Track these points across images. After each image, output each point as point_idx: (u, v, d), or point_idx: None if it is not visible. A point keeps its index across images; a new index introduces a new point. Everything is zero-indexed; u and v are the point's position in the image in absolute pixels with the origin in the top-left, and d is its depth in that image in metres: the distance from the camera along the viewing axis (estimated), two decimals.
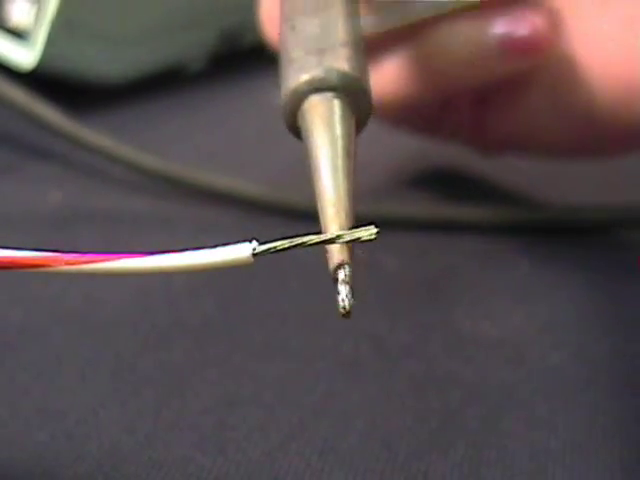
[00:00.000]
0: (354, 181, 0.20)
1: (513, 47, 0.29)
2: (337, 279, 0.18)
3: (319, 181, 0.20)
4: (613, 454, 0.23)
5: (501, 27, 0.29)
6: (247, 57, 0.46)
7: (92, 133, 0.35)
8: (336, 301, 0.18)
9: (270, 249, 0.18)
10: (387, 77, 0.32)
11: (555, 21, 0.30)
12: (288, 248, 0.18)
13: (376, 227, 0.18)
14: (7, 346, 0.26)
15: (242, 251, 0.18)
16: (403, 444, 0.23)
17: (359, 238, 0.18)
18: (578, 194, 0.35)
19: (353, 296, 0.18)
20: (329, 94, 0.22)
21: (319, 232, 0.18)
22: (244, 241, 0.18)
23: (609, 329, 0.28)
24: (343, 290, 0.18)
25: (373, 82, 0.28)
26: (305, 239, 0.18)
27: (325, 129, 0.21)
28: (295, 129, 0.22)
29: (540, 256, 0.31)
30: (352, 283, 0.18)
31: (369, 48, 0.32)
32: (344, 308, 0.18)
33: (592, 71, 0.30)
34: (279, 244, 0.18)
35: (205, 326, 0.27)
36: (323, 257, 0.31)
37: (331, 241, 0.18)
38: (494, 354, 0.26)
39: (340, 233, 0.18)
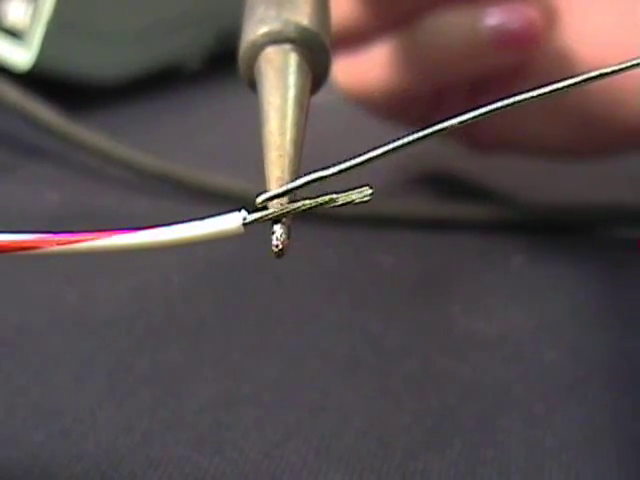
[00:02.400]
0: (303, 134, 0.20)
1: (506, 39, 0.29)
2: None
3: (266, 127, 0.20)
4: (610, 452, 0.23)
5: (494, 18, 0.29)
6: None
7: (89, 133, 0.35)
8: (270, 240, 0.18)
9: (262, 217, 0.18)
10: (377, 65, 0.32)
11: (549, 15, 0.30)
12: (281, 215, 0.18)
13: (370, 188, 0.18)
14: (4, 346, 0.26)
15: (232, 220, 0.18)
16: (400, 443, 0.23)
17: (353, 200, 0.18)
18: (573, 193, 0.35)
19: (289, 237, 0.18)
20: (286, 46, 0.21)
21: (311, 197, 0.18)
22: (233, 210, 0.18)
23: (605, 326, 0.28)
24: (278, 229, 0.18)
25: (363, 70, 0.28)
26: (297, 205, 0.18)
27: (278, 78, 0.21)
28: (252, 83, 0.22)
29: (536, 254, 0.31)
30: (289, 223, 0.18)
31: (359, 36, 0.32)
32: (277, 246, 0.18)
33: (586, 68, 0.30)
34: (270, 212, 0.18)
35: (202, 325, 0.27)
36: (321, 256, 0.31)
37: (326, 204, 0.18)
38: (491, 352, 0.26)
39: (334, 196, 0.18)
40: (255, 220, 0.18)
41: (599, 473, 0.22)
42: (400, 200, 0.34)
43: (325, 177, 0.18)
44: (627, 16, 0.31)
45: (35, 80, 0.39)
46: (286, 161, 0.19)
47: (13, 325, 0.26)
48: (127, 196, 0.34)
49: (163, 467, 0.21)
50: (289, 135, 0.19)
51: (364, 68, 0.32)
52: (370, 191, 0.18)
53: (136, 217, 0.33)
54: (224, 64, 0.45)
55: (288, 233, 0.18)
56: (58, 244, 0.18)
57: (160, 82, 0.44)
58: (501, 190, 0.36)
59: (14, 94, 0.35)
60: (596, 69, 0.30)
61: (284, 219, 0.18)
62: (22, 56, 0.39)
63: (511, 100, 0.18)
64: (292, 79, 0.21)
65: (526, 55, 0.30)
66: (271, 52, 0.22)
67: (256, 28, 0.22)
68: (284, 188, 0.18)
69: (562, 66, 0.30)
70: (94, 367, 0.25)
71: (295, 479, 0.21)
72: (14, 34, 0.39)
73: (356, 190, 0.18)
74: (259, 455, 0.22)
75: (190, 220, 0.18)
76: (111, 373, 0.25)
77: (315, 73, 0.22)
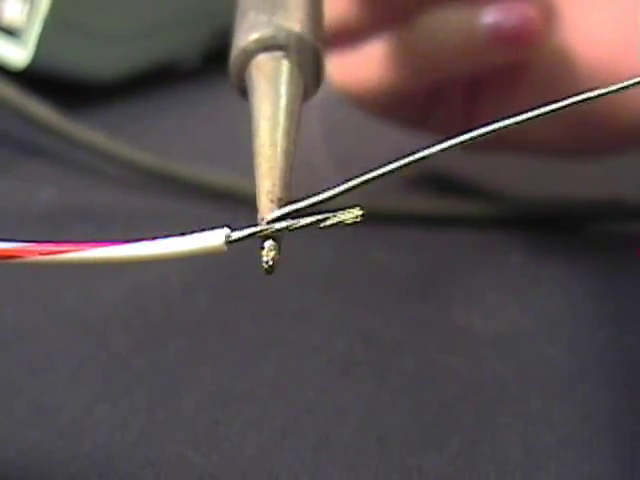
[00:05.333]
0: (295, 144, 0.19)
1: (502, 36, 0.29)
2: None
3: (257, 137, 0.19)
4: (607, 447, 0.23)
5: (491, 16, 0.29)
6: None
7: (86, 131, 0.35)
8: (260, 256, 0.17)
9: (246, 236, 0.17)
10: (373, 63, 0.31)
11: (548, 13, 0.30)
12: (262, 234, 0.17)
13: (361, 209, 0.17)
14: (0, 344, 0.25)
15: (215, 238, 0.17)
16: (397, 440, 0.23)
17: (343, 221, 0.17)
18: (572, 189, 0.35)
19: (279, 252, 0.17)
20: (278, 54, 0.21)
21: (299, 217, 0.18)
22: (217, 227, 0.18)
23: (603, 322, 0.28)
24: (267, 244, 0.17)
25: (359, 68, 0.27)
26: (283, 225, 0.17)
27: (269, 87, 0.20)
28: (243, 90, 0.22)
29: (534, 251, 0.31)
30: (279, 240, 0.18)
31: (355, 33, 0.32)
32: (266, 262, 0.17)
33: (586, 67, 0.30)
34: (253, 231, 0.17)
35: (199, 323, 0.27)
36: (318, 253, 0.31)
37: (314, 224, 0.17)
38: (489, 349, 0.26)
39: (323, 217, 0.17)
40: (239, 239, 0.17)
41: (597, 469, 0.22)
42: (398, 197, 0.34)
43: (328, 199, 0.17)
44: (626, 13, 0.30)
45: (32, 78, 0.38)
46: (277, 173, 0.18)
47: (10, 323, 0.26)
48: (124, 193, 0.34)
49: (160, 465, 0.21)
50: (280, 146, 0.19)
51: (359, 66, 0.32)
52: (360, 212, 0.17)
53: (133, 214, 0.33)
54: (221, 61, 0.45)
55: (279, 248, 0.17)
56: (41, 254, 0.17)
57: (157, 79, 0.44)
58: (500, 187, 0.36)
59: (11, 92, 0.35)
60: (595, 72, 0.30)
61: (272, 236, 0.17)
62: (19, 54, 0.39)
63: (514, 119, 0.18)
64: (284, 88, 0.20)
65: (524, 53, 0.29)
66: (262, 59, 0.21)
67: (247, 34, 0.22)
68: (287, 209, 0.18)
69: (560, 64, 0.30)
70: (91, 366, 0.25)
71: (292, 477, 0.21)
72: (11, 32, 0.39)
73: (346, 210, 0.17)
74: (256, 453, 0.22)
75: (186, 219, 0.18)
76: (108, 371, 0.25)
77: (307, 80, 0.22)
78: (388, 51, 0.31)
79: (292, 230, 0.17)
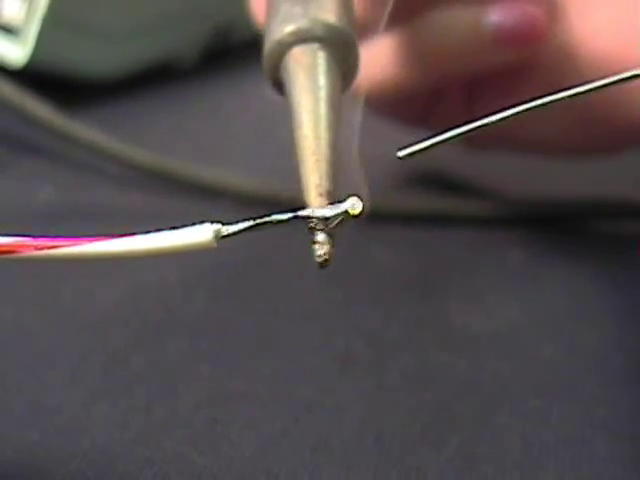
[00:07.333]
0: (337, 134, 0.19)
1: (507, 36, 0.29)
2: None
3: (300, 130, 0.19)
4: (606, 447, 0.23)
5: (497, 15, 0.29)
6: (239, 52, 0.46)
7: (84, 129, 0.35)
8: (313, 250, 0.17)
9: (238, 231, 0.17)
10: (379, 60, 0.31)
11: (553, 12, 0.30)
12: (255, 227, 0.17)
13: (360, 199, 0.17)
14: None
15: (203, 233, 0.17)
16: (396, 439, 0.23)
17: (339, 214, 0.17)
18: (571, 188, 0.35)
19: (333, 246, 0.17)
20: (314, 45, 0.21)
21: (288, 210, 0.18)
22: (207, 222, 0.17)
23: (602, 321, 0.28)
24: (320, 238, 0.17)
25: (365, 65, 0.27)
26: (273, 218, 0.17)
27: (308, 78, 0.20)
28: (278, 83, 0.22)
29: (534, 250, 0.31)
30: (331, 231, 0.17)
31: (362, 30, 0.32)
32: (320, 256, 0.17)
33: (591, 66, 0.30)
34: (246, 225, 0.17)
35: (197, 322, 0.27)
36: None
37: (301, 218, 0.17)
38: (487, 347, 0.26)
39: (317, 211, 0.17)
40: (232, 234, 0.17)
41: (595, 468, 0.22)
42: (397, 195, 0.34)
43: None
44: (630, 11, 0.30)
45: (30, 76, 0.38)
46: (324, 166, 0.18)
47: (8, 323, 0.26)
48: (123, 191, 0.34)
49: (158, 464, 0.21)
50: (324, 139, 0.19)
51: (365, 63, 0.32)
52: (360, 204, 0.17)
53: (131, 212, 0.33)
54: (219, 60, 0.46)
55: (332, 241, 0.17)
56: (36, 249, 0.17)
57: (155, 78, 0.44)
58: (500, 186, 0.36)
59: (9, 90, 0.35)
60: (599, 71, 0.30)
61: (323, 228, 0.17)
62: (17, 52, 0.39)
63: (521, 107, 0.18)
64: (323, 79, 0.20)
65: (528, 52, 0.30)
66: (299, 51, 0.21)
67: (282, 26, 0.21)
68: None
69: (565, 63, 0.30)
70: (90, 365, 0.25)
71: (291, 476, 0.21)
72: (9, 30, 0.39)
73: (344, 203, 0.17)
74: (255, 452, 0.22)
75: (185, 217, 0.18)
76: (107, 371, 0.24)
77: (344, 71, 0.22)
78: (394, 49, 0.31)
79: (284, 222, 0.17)
